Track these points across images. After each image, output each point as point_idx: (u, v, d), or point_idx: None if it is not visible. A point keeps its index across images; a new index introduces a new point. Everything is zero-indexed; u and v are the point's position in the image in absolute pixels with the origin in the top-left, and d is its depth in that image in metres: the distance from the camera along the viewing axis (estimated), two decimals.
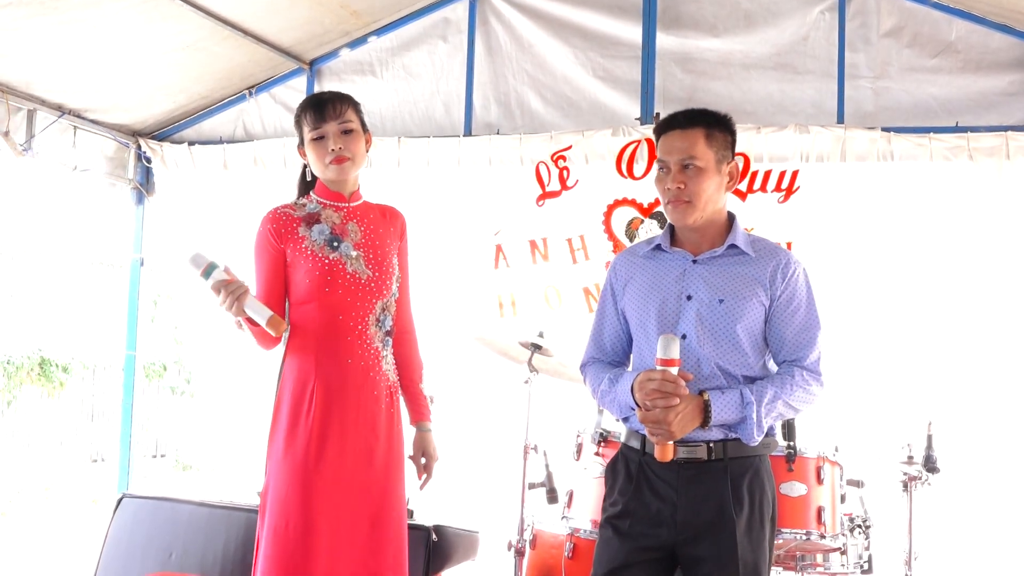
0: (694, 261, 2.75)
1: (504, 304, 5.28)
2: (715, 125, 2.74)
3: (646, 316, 2.76)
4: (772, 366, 2.78)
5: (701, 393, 2.62)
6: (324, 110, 3.00)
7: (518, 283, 5.28)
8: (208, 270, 2.79)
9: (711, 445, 2.65)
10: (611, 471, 2.83)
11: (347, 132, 3.02)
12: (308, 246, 3.00)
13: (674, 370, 2.55)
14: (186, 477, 11.90)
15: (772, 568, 2.71)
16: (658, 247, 2.82)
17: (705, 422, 2.60)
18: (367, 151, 3.11)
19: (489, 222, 5.32)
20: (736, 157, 2.82)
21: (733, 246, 2.74)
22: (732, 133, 2.79)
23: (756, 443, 2.66)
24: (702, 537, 2.63)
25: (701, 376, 2.66)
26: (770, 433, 2.73)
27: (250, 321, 2.86)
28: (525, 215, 5.25)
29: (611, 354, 2.91)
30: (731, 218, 2.81)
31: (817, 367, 2.72)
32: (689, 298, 2.71)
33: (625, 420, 2.80)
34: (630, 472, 2.74)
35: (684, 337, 2.67)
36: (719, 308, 2.68)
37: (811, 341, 2.72)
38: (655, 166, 2.79)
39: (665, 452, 2.58)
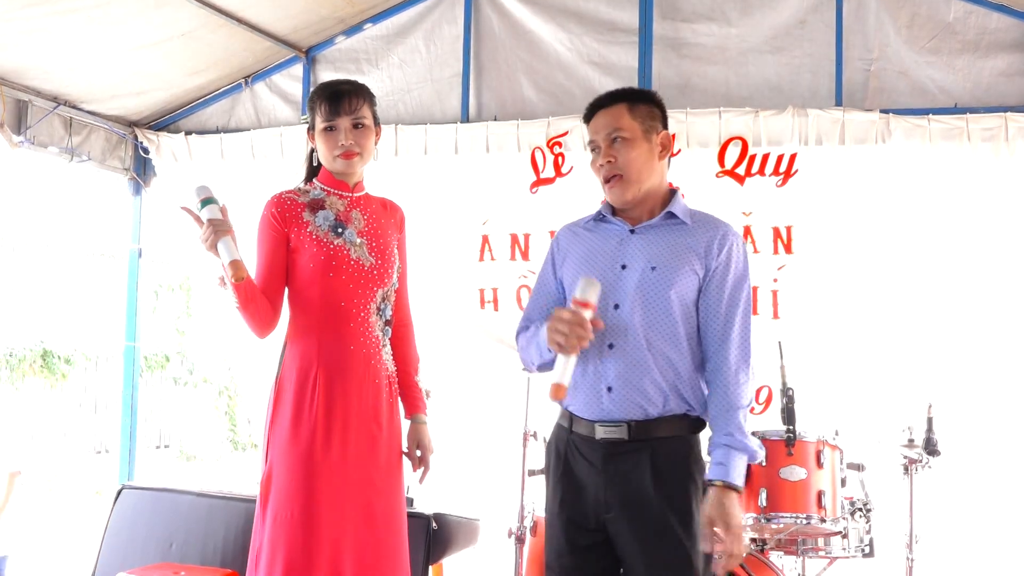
0: (631, 231, 2.74)
1: (487, 301, 5.23)
2: (637, 99, 2.76)
3: None
4: (703, 387, 2.69)
5: (711, 482, 2.56)
6: (339, 103, 3.00)
7: (500, 277, 5.22)
8: (205, 201, 2.80)
9: (631, 425, 2.62)
10: (546, 453, 2.83)
11: (359, 127, 3.02)
12: (312, 231, 2.99)
13: (588, 313, 2.52)
14: (190, 468, 11.94)
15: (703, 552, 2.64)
16: (601, 218, 2.82)
17: (738, 490, 2.55)
18: (376, 144, 3.12)
19: (485, 210, 5.29)
20: (668, 128, 2.77)
21: (671, 214, 2.72)
22: (659, 105, 2.78)
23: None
24: (625, 515, 2.61)
25: (627, 347, 2.62)
26: (695, 413, 2.67)
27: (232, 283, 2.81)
28: (518, 203, 5.22)
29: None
30: (672, 191, 2.80)
31: (745, 357, 2.65)
32: (624, 267, 2.69)
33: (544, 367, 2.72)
34: (559, 452, 2.74)
35: (617, 307, 2.64)
36: (651, 275, 2.65)
37: (741, 315, 2.67)
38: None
39: (559, 392, 2.52)
